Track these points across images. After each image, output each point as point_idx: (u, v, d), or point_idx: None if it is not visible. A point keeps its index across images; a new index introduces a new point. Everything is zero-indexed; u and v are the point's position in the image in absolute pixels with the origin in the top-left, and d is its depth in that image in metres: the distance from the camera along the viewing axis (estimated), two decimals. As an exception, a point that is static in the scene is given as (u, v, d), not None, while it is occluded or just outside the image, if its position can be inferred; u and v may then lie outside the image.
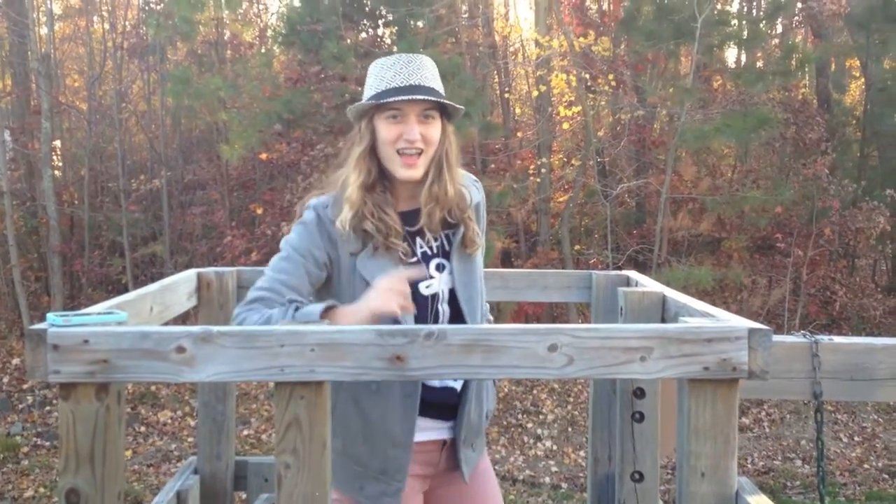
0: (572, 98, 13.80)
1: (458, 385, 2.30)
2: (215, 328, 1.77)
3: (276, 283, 2.18)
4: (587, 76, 13.14)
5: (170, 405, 10.13)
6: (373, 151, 2.22)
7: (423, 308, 2.23)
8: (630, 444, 2.63)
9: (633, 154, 13.41)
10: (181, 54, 14.42)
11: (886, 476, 9.14)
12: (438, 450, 2.33)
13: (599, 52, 13.59)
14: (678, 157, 12.72)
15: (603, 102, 14.06)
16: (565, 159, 14.87)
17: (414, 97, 2.14)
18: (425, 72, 2.22)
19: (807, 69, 15.46)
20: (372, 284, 2.10)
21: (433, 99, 2.17)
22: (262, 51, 14.16)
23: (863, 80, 15.55)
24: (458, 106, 2.25)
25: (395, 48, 12.03)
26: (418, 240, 2.29)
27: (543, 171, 12.78)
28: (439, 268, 2.29)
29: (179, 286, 2.77)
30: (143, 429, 9.73)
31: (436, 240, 2.30)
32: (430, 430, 2.30)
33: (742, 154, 14.16)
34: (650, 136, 13.71)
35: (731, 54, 15.98)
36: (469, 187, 2.35)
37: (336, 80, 11.76)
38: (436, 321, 2.25)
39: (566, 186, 13.85)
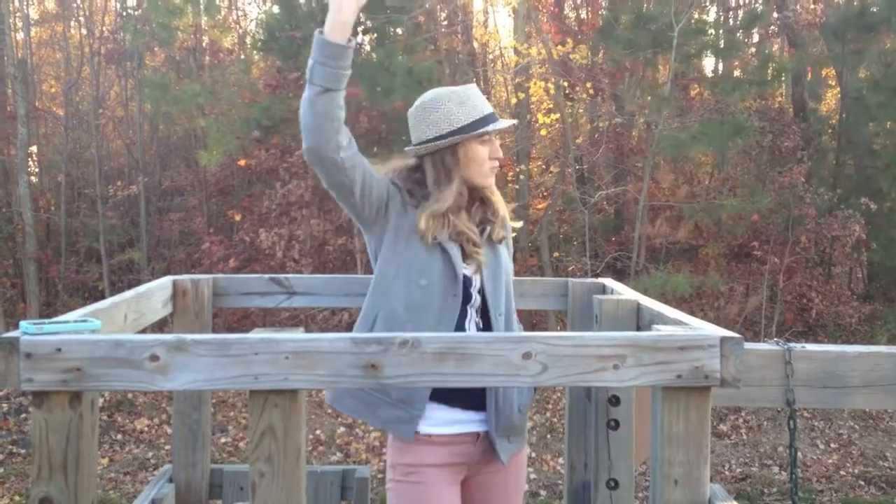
0: (551, 105, 13.85)
1: None
2: (189, 336, 1.77)
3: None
4: (565, 84, 13.19)
5: (147, 413, 10.06)
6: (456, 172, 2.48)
7: (464, 285, 2.41)
8: (605, 452, 2.64)
9: (612, 161, 13.47)
10: (159, 60, 14.37)
11: (863, 483, 9.21)
12: (473, 442, 2.43)
13: (578, 60, 13.67)
14: (656, 164, 12.80)
15: (581, 110, 14.14)
16: (544, 166, 14.93)
17: (506, 125, 2.51)
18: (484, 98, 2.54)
19: (783, 78, 15.58)
20: (438, 238, 2.39)
21: (511, 126, 2.60)
22: (241, 57, 14.13)
23: (838, 89, 15.69)
24: (512, 124, 2.75)
25: (373, 55, 12.04)
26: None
27: (522, 177, 12.81)
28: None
29: (154, 294, 2.76)
30: (119, 437, 9.65)
31: (483, 231, 2.53)
32: (462, 423, 2.41)
33: (719, 162, 14.26)
34: (628, 143, 13.78)
35: (708, 63, 16.09)
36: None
37: (315, 86, 11.74)
38: (468, 301, 2.42)
39: (545, 193, 13.91)
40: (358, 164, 2.38)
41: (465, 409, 2.40)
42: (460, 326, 2.40)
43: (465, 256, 2.44)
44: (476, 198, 2.54)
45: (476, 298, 2.43)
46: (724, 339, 1.84)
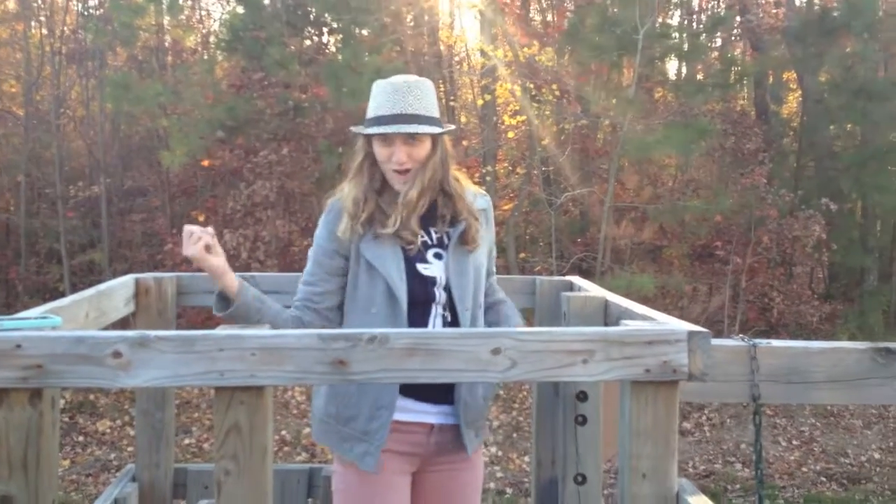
0: (517, 107, 13.89)
1: None
2: (152, 333, 1.74)
3: (305, 294, 2.50)
4: (531, 86, 13.23)
5: (109, 414, 9.94)
6: (374, 163, 2.49)
7: (425, 285, 2.43)
8: (573, 447, 2.64)
9: (577, 163, 13.53)
10: (121, 60, 14.20)
11: (824, 479, 9.33)
12: (426, 433, 2.43)
13: (544, 63, 13.72)
14: (621, 166, 12.88)
15: (547, 112, 14.18)
16: (510, 168, 14.97)
17: (388, 131, 2.38)
18: (412, 97, 2.41)
19: (745, 81, 15.79)
20: (374, 265, 2.40)
21: (410, 131, 2.38)
22: (205, 57, 14.01)
23: (799, 92, 15.90)
24: (440, 130, 2.46)
25: (339, 56, 12.00)
26: (421, 230, 2.51)
27: (489, 179, 12.83)
28: (437, 256, 2.49)
29: (116, 292, 2.72)
30: (81, 438, 9.53)
31: (437, 233, 2.50)
32: (413, 412, 2.41)
33: (683, 164, 14.38)
34: (593, 145, 13.86)
35: (672, 66, 16.23)
36: (478, 196, 2.63)
37: (279, 87, 11.69)
38: (433, 300, 2.43)
39: (511, 195, 13.94)
40: (336, 280, 2.49)
41: (417, 400, 2.42)
42: (423, 324, 2.43)
43: (421, 257, 2.45)
44: (436, 195, 2.52)
45: (441, 295, 2.44)
46: (691, 334, 1.84)
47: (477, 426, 2.49)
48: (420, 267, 2.44)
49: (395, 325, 2.35)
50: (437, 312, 2.44)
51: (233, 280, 2.42)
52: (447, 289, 2.44)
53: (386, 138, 2.41)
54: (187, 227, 2.37)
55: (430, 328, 2.40)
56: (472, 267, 2.50)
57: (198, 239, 2.34)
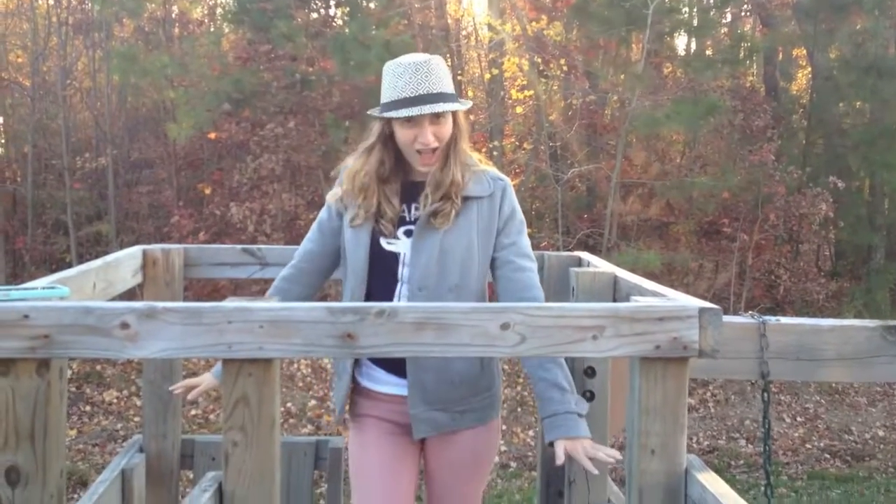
0: (525, 82, 13.81)
1: None
2: (160, 304, 1.73)
3: (299, 251, 2.66)
4: (539, 60, 13.15)
5: (116, 385, 9.98)
6: (386, 144, 2.45)
7: (387, 261, 2.43)
8: (580, 424, 2.63)
9: (585, 139, 13.47)
10: (128, 31, 14.13)
11: (828, 456, 9.35)
12: (402, 403, 2.46)
13: (552, 37, 13.62)
14: (628, 142, 12.82)
15: (555, 87, 14.10)
16: (517, 143, 14.90)
17: (423, 112, 2.33)
18: (433, 77, 2.37)
19: (755, 57, 15.65)
20: (347, 241, 2.48)
21: (438, 110, 2.35)
22: (211, 29, 13.95)
23: (809, 68, 15.78)
24: (464, 105, 2.45)
25: (346, 29, 11.92)
26: (403, 205, 2.49)
27: (496, 154, 12.78)
28: (408, 233, 2.45)
29: (124, 263, 2.71)
30: (88, 408, 9.58)
31: (416, 209, 2.47)
32: (386, 384, 2.49)
33: (691, 140, 14.31)
34: (601, 121, 13.78)
35: (681, 42, 16.11)
36: (483, 181, 2.50)
37: (286, 59, 11.62)
38: (397, 277, 2.43)
39: (518, 170, 13.88)
40: (331, 243, 2.61)
41: (388, 373, 2.48)
42: (388, 300, 2.46)
43: (390, 234, 2.46)
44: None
45: (405, 273, 2.43)
46: (702, 311, 1.83)
47: (452, 410, 2.46)
48: (384, 242, 2.45)
49: (357, 299, 2.42)
50: (400, 291, 2.43)
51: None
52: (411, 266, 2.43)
53: (411, 119, 2.36)
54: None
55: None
56: (441, 248, 2.40)
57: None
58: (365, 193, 2.45)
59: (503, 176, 2.58)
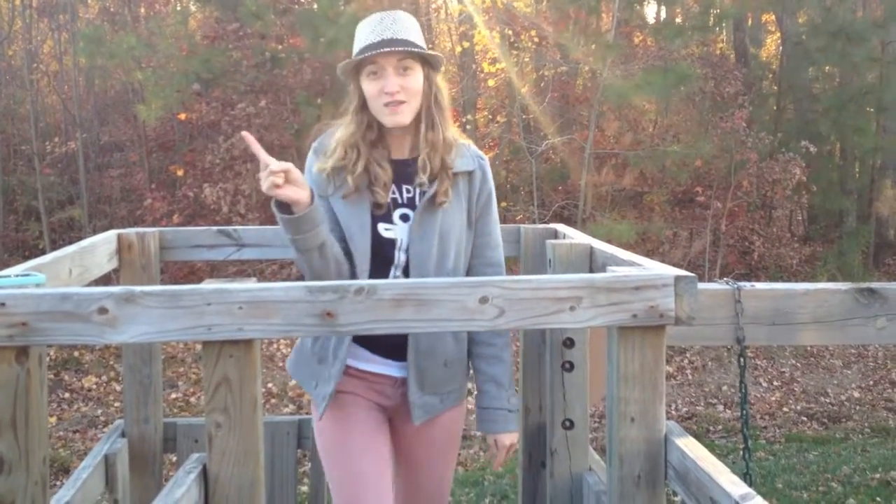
0: (496, 55, 13.78)
1: None
2: (138, 288, 1.73)
3: None
4: (510, 33, 13.11)
5: (94, 370, 9.93)
6: (364, 108, 2.36)
7: (385, 248, 2.36)
8: (560, 394, 2.66)
9: (557, 110, 13.48)
10: (93, 12, 13.96)
11: (805, 419, 9.48)
12: (392, 385, 2.43)
13: (521, 9, 13.59)
14: (601, 112, 12.84)
15: (526, 59, 14.08)
16: (490, 116, 14.89)
17: (381, 50, 2.24)
18: (398, 25, 2.32)
19: (724, 24, 15.71)
20: (341, 222, 2.35)
21: (401, 49, 2.26)
22: (178, 8, 13.79)
23: (779, 34, 15.85)
24: (433, 53, 2.35)
25: (315, 5, 11.83)
26: (394, 186, 2.40)
27: (469, 128, 12.76)
28: (403, 217, 2.38)
29: (99, 248, 2.69)
30: (67, 395, 9.53)
31: (408, 192, 2.39)
32: (377, 364, 2.42)
33: (663, 109, 14.36)
34: (573, 92, 13.79)
35: (650, 10, 16.14)
36: (466, 155, 2.44)
37: (255, 37, 11.53)
38: (391, 264, 2.37)
39: (492, 143, 13.88)
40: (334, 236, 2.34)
41: (385, 357, 2.41)
42: None
43: (386, 218, 2.36)
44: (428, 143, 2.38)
45: (401, 258, 2.37)
46: (678, 279, 1.85)
47: (442, 392, 2.44)
48: (382, 227, 2.36)
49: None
50: (394, 275, 2.38)
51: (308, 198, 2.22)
52: (407, 252, 2.36)
53: (376, 72, 2.29)
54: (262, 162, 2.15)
55: None
56: (439, 232, 2.35)
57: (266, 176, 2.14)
58: (355, 157, 2.35)
59: (481, 153, 2.52)
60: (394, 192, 2.39)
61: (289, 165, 2.13)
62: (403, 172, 2.40)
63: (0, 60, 13.46)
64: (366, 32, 2.33)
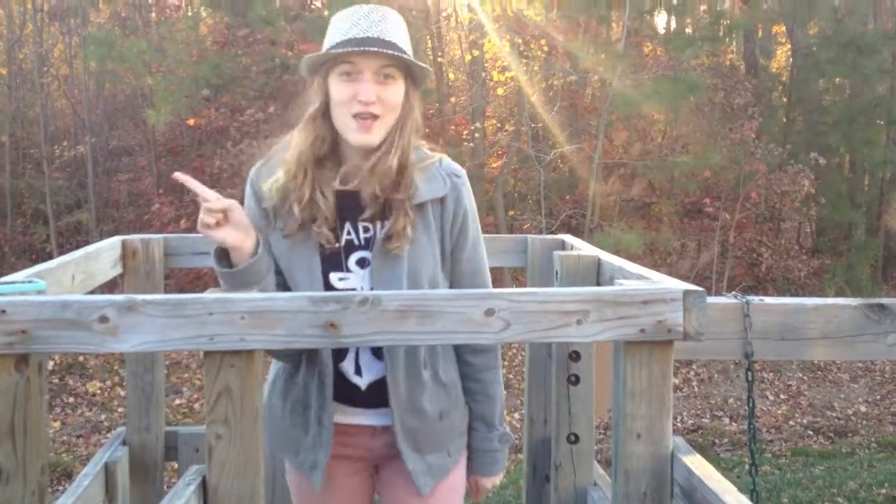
0: (505, 63, 13.77)
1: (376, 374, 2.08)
2: (140, 297, 1.71)
3: None
4: (520, 41, 13.11)
5: (99, 375, 9.93)
6: (326, 115, 1.98)
7: None
8: (566, 407, 2.64)
9: (566, 120, 13.46)
10: (104, 17, 13.99)
11: (811, 432, 9.42)
12: (368, 435, 2.11)
13: (531, 18, 13.57)
14: (610, 122, 12.82)
15: (536, 68, 14.07)
16: (499, 125, 14.88)
17: (368, 49, 1.88)
18: (387, 24, 1.95)
19: (734, 35, 15.69)
20: (282, 267, 2.02)
21: (391, 53, 1.90)
22: (189, 13, 13.81)
23: (789, 45, 15.82)
24: (422, 65, 1.98)
25: (326, 12, 11.85)
26: (348, 225, 2.02)
27: (477, 136, 12.76)
28: (361, 263, 2.02)
29: (103, 254, 2.68)
30: (71, 399, 9.53)
31: (366, 230, 2.02)
32: (351, 415, 2.10)
33: (672, 119, 14.34)
34: (582, 101, 13.78)
35: (661, 20, 16.12)
36: (436, 177, 2.04)
37: (265, 43, 11.55)
38: None
39: (500, 152, 13.87)
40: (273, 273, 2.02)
41: (360, 407, 2.10)
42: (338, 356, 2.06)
43: (336, 264, 2.01)
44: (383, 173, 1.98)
45: None
46: (686, 293, 1.82)
47: (449, 447, 2.13)
48: (334, 278, 2.00)
49: None
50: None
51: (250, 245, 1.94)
52: None
53: (350, 73, 1.91)
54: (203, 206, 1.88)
55: (345, 361, 2.06)
56: (407, 276, 1.99)
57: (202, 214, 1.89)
58: (301, 179, 1.97)
59: (457, 168, 2.11)
60: (349, 233, 2.02)
61: (230, 203, 1.87)
62: (355, 206, 2.02)
63: (11, 64, 13.50)
64: (346, 24, 1.95)
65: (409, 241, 1.97)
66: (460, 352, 2.16)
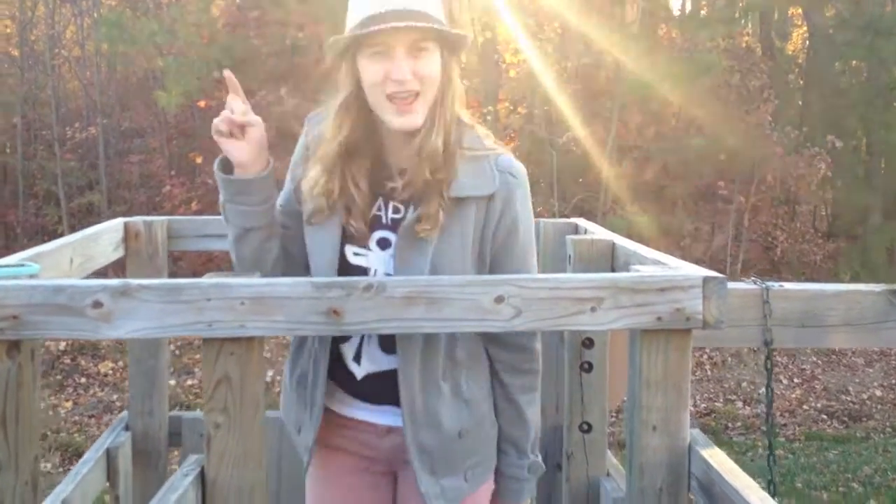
0: (518, 46, 13.65)
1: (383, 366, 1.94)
2: (135, 281, 1.64)
3: None
4: (533, 23, 12.97)
5: (111, 356, 9.93)
6: (359, 100, 1.81)
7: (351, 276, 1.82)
8: (578, 395, 2.56)
9: (580, 102, 13.32)
10: (115, -2, 13.95)
11: (825, 416, 9.34)
12: (376, 433, 1.97)
13: (545, -1, 13.45)
14: (624, 105, 12.69)
15: (549, 50, 13.93)
16: (511, 108, 14.75)
17: (392, 25, 1.69)
18: None
19: (750, 17, 15.50)
20: (309, 253, 1.91)
21: (422, 25, 1.71)
22: (200, -6, 13.72)
23: (805, 27, 15.63)
24: (459, 32, 1.79)
25: (337, -8, 11.75)
26: (380, 200, 1.89)
27: (489, 119, 12.64)
28: (381, 243, 1.88)
29: (103, 236, 2.61)
30: (83, 380, 9.54)
31: (396, 210, 1.88)
32: (360, 409, 1.98)
33: (686, 102, 14.17)
34: (596, 84, 13.63)
35: (675, 2, 15.94)
36: (485, 172, 1.84)
37: (277, 25, 11.46)
38: None
39: (512, 135, 13.75)
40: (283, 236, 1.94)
41: (363, 401, 1.97)
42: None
43: (360, 242, 1.88)
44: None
45: None
46: (706, 280, 1.74)
47: (465, 468, 1.93)
48: (350, 251, 1.87)
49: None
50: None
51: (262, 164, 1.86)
52: None
53: (379, 51, 1.74)
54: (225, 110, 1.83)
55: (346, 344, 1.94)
56: (430, 269, 1.80)
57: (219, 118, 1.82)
58: (328, 174, 1.84)
59: (517, 166, 1.90)
60: (379, 209, 1.89)
61: (253, 120, 1.80)
62: (393, 184, 1.89)
63: (23, 45, 13.47)
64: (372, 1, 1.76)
65: (441, 230, 1.79)
66: (496, 369, 1.97)
